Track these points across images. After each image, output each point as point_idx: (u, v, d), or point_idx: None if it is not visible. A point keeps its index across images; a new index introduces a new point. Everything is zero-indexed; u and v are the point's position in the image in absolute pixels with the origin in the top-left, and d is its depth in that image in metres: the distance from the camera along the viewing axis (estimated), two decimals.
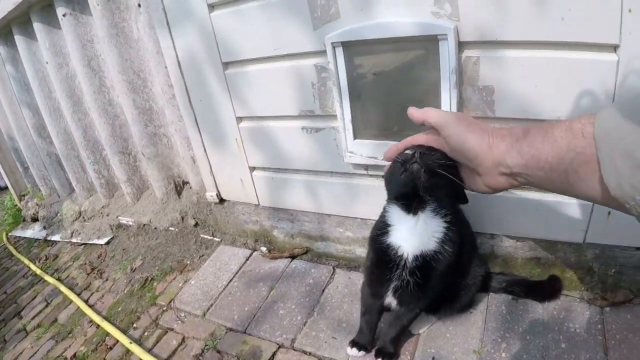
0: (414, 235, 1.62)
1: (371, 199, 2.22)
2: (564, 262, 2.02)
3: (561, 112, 1.62)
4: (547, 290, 2.02)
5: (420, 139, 1.26)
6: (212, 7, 2.18)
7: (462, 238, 1.74)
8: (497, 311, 2.05)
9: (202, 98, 2.51)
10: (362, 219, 2.39)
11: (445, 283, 1.76)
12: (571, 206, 1.82)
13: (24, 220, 4.86)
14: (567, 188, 0.85)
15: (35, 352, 2.82)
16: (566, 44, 1.53)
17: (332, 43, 1.90)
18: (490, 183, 1.06)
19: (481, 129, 1.05)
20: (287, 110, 2.25)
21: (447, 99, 1.76)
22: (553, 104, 1.63)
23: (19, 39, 3.62)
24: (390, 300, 1.81)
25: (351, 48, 1.90)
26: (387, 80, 1.92)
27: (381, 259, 1.72)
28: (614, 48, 1.47)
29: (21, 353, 2.88)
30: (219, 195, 2.89)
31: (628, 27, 1.39)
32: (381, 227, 1.71)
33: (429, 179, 1.37)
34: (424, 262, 1.64)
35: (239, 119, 2.44)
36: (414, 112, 1.20)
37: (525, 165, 0.92)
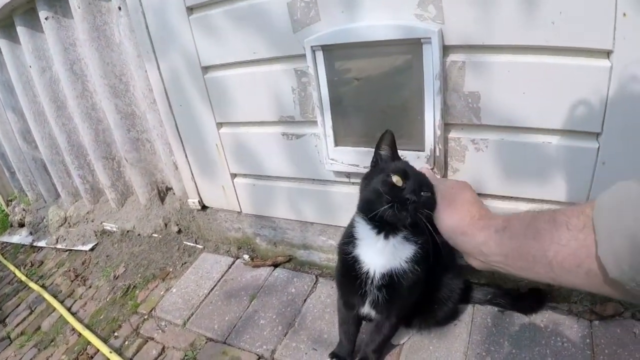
0: (382, 255, 1.58)
1: (353, 207, 2.16)
2: None
3: (551, 121, 1.58)
4: (532, 302, 1.98)
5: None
6: (190, 9, 2.14)
7: (437, 252, 1.68)
8: (482, 323, 2.00)
9: (182, 103, 2.46)
10: (345, 227, 2.32)
11: (416, 297, 1.71)
12: None
13: (11, 226, 4.81)
14: (551, 277, 0.84)
15: None
16: (557, 49, 1.48)
17: (311, 47, 1.85)
18: (469, 261, 1.10)
19: (462, 211, 1.11)
20: (267, 116, 2.21)
21: (431, 105, 1.71)
22: (542, 112, 1.58)
23: (2, 43, 3.57)
24: (367, 310, 1.75)
25: (332, 52, 1.85)
26: (369, 85, 1.87)
27: (348, 271, 1.67)
28: (607, 54, 1.41)
29: None
30: (201, 202, 2.85)
31: (622, 31, 1.34)
32: (349, 238, 1.67)
33: (412, 224, 1.41)
34: (391, 279, 1.59)
35: (219, 125, 2.40)
36: None
37: (505, 256, 0.93)
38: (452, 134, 1.80)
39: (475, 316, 2.05)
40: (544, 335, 1.86)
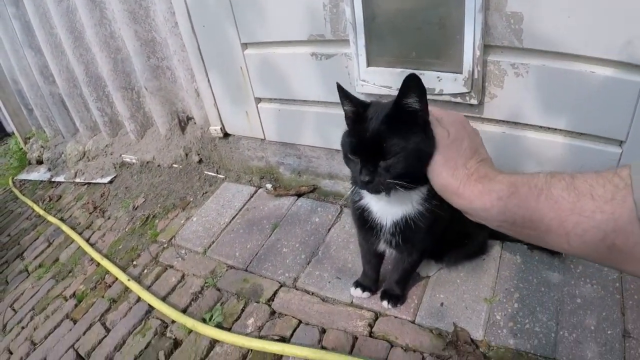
0: (391, 205, 1.47)
1: None
2: None
3: (596, 50, 1.47)
4: None
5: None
6: None
7: None
8: (511, 260, 1.96)
9: (205, 23, 2.36)
10: None
11: (439, 234, 1.60)
12: (599, 148, 1.68)
13: (29, 163, 4.80)
14: (564, 248, 0.77)
15: (36, 292, 2.78)
16: None
17: None
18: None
19: (456, 166, 1.00)
20: (296, 35, 2.11)
21: (472, 24, 1.61)
22: (587, 39, 1.47)
23: None
24: (385, 248, 1.68)
25: None
26: (406, 0, 1.75)
27: (359, 218, 1.61)
28: None
29: (22, 293, 2.85)
30: (223, 129, 2.77)
31: None
32: (355, 191, 1.54)
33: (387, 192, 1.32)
34: (406, 224, 1.49)
35: (244, 46, 2.30)
36: None
37: (511, 223, 0.84)
38: (492, 57, 1.69)
39: (505, 252, 1.99)
40: (573, 276, 1.82)
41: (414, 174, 1.22)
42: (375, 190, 1.29)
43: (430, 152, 1.14)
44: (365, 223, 1.58)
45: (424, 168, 1.14)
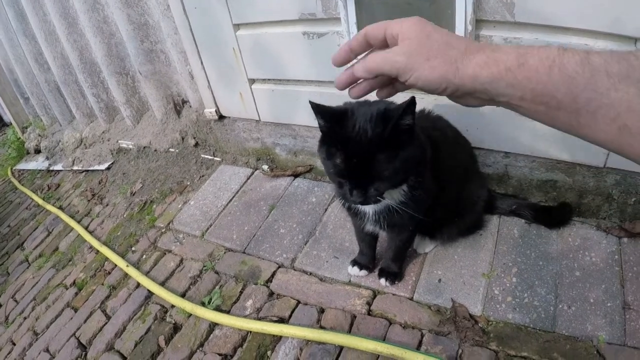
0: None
1: None
2: (582, 186, 1.89)
3: (589, 22, 1.45)
4: (558, 216, 1.90)
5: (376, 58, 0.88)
6: None
7: (445, 166, 1.58)
8: (508, 234, 1.95)
9: (196, 5, 2.33)
10: None
11: (425, 213, 1.55)
12: None
13: (27, 153, 4.80)
14: (572, 126, 0.73)
15: (37, 282, 2.80)
16: None
17: None
18: (463, 102, 0.87)
19: (444, 52, 0.79)
20: (287, 14, 2.08)
21: None
22: (581, 12, 1.45)
23: None
24: (374, 228, 1.68)
25: None
26: None
27: (346, 207, 1.61)
28: None
29: (23, 284, 2.87)
30: (218, 111, 2.75)
31: None
32: None
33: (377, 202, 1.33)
34: (389, 212, 1.48)
35: (236, 27, 2.27)
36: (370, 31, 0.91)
37: (520, 98, 0.75)
38: (484, 32, 1.67)
39: (502, 227, 1.98)
40: (571, 249, 1.81)
41: (402, 183, 1.28)
42: (366, 204, 1.32)
43: (419, 159, 1.15)
44: (350, 209, 1.60)
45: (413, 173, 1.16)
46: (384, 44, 0.89)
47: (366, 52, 0.91)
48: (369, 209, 1.50)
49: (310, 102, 1.18)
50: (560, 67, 0.70)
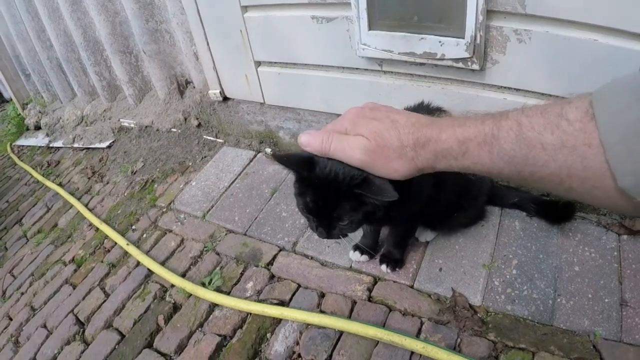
0: None
1: (384, 98, 2.06)
2: None
3: (599, 17, 1.44)
4: (560, 212, 1.90)
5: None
6: None
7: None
8: (510, 226, 1.95)
9: None
10: None
11: (419, 210, 1.57)
12: None
13: (27, 129, 4.78)
14: (528, 187, 0.81)
15: (35, 258, 2.80)
16: None
17: None
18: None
19: (405, 160, 0.89)
20: None
21: None
22: (589, 6, 1.44)
23: None
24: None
25: None
26: None
27: None
28: None
29: (21, 259, 2.87)
30: (222, 93, 2.75)
31: None
32: None
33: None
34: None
35: (244, 9, 2.26)
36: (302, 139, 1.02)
37: (474, 173, 0.85)
38: (494, 22, 1.67)
39: (503, 219, 1.99)
40: (572, 244, 1.82)
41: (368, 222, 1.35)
42: (331, 239, 1.37)
43: (382, 211, 1.25)
44: None
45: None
46: None
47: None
48: None
49: (273, 155, 1.22)
50: (498, 149, 0.75)
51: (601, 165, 0.63)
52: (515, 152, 0.73)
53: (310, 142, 1.00)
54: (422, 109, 1.73)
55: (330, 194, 1.19)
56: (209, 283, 2.05)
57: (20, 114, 4.91)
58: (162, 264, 2.25)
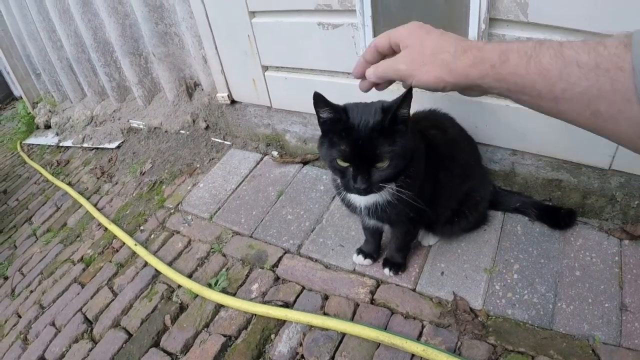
0: (363, 198, 1.51)
1: None
2: (586, 187, 1.90)
3: (600, 25, 1.45)
4: (562, 218, 1.91)
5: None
6: None
7: (443, 165, 1.65)
8: (512, 231, 1.96)
9: None
10: None
11: (420, 210, 1.58)
12: None
13: (37, 128, 4.82)
14: (555, 112, 0.81)
15: (44, 256, 2.84)
16: None
17: None
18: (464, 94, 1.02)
19: (437, 59, 0.95)
20: (303, 4, 2.09)
21: None
22: (591, 14, 1.45)
23: None
24: (371, 221, 1.73)
25: None
26: None
27: (342, 199, 1.68)
28: None
29: (30, 257, 2.91)
30: (230, 96, 2.77)
31: None
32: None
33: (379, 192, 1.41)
34: (376, 208, 1.55)
35: (252, 14, 2.29)
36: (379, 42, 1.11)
37: (507, 90, 0.85)
38: (497, 30, 1.68)
39: (505, 223, 2.00)
40: (573, 249, 1.83)
41: (400, 173, 1.35)
42: (368, 194, 1.38)
43: (413, 149, 1.32)
44: (344, 201, 1.65)
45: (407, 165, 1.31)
46: (392, 52, 1.08)
47: None
48: (360, 202, 1.55)
49: (315, 94, 1.26)
50: (536, 61, 0.78)
51: (630, 89, 0.65)
52: (552, 66, 0.75)
53: (370, 73, 1.12)
54: (431, 113, 1.77)
55: (367, 133, 1.26)
56: (215, 284, 2.08)
57: (30, 113, 4.95)
58: (170, 264, 2.28)
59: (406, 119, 1.29)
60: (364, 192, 1.37)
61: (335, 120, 1.30)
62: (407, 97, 1.21)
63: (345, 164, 1.33)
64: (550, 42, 0.78)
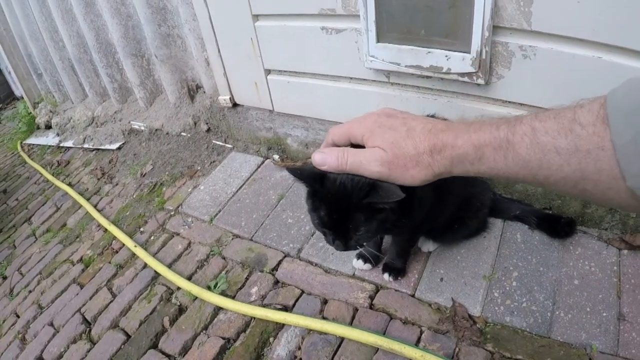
0: None
1: None
2: None
3: (604, 35, 1.46)
4: (559, 229, 1.90)
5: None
6: None
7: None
8: (511, 239, 1.97)
9: None
10: None
11: (419, 223, 1.59)
12: None
13: (37, 128, 4.81)
14: (543, 188, 0.82)
15: (43, 257, 2.84)
16: None
17: None
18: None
19: (422, 166, 0.92)
20: (306, 8, 2.10)
21: (481, 4, 1.60)
22: (595, 24, 1.46)
23: None
24: None
25: None
26: None
27: None
28: None
29: (29, 257, 2.91)
30: (232, 99, 2.77)
31: None
32: None
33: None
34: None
35: (255, 17, 2.30)
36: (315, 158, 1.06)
37: (490, 177, 0.92)
38: (500, 38, 1.68)
39: (505, 231, 2.00)
40: (572, 257, 1.83)
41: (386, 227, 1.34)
42: (348, 250, 1.40)
43: (396, 217, 1.30)
44: None
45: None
46: (350, 144, 1.05)
47: None
48: None
49: (288, 169, 1.26)
50: (513, 154, 0.77)
51: (614, 167, 0.64)
52: (530, 157, 0.74)
53: (325, 160, 1.03)
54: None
55: (342, 206, 1.23)
56: (215, 287, 2.08)
57: (31, 113, 4.95)
58: (169, 266, 2.28)
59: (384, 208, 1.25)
60: (345, 250, 1.39)
61: (312, 192, 1.29)
62: (379, 194, 1.14)
63: (324, 230, 1.35)
64: (521, 125, 0.77)
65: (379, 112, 1.03)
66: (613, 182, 0.66)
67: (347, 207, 1.22)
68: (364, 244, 1.41)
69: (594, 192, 0.70)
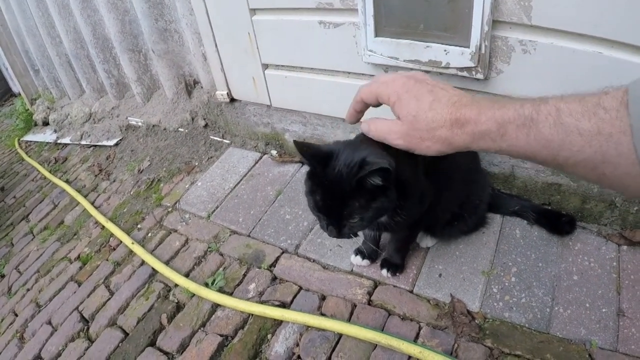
0: None
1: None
2: (586, 192, 1.89)
3: (604, 30, 1.45)
4: (558, 225, 1.90)
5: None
6: None
7: (441, 171, 1.58)
8: (510, 234, 1.96)
9: None
10: None
11: (418, 220, 1.61)
12: None
13: (35, 125, 4.81)
14: (561, 171, 0.82)
15: (41, 254, 2.84)
16: None
17: None
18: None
19: (437, 139, 0.97)
20: (304, 2, 2.08)
21: None
22: (596, 19, 1.44)
23: None
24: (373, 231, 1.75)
25: None
26: None
27: None
28: None
29: (27, 255, 2.91)
30: (229, 94, 2.76)
31: None
32: None
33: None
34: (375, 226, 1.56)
35: (252, 11, 2.28)
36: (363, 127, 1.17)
37: (509, 156, 0.89)
38: (500, 32, 1.67)
39: (504, 226, 2.00)
40: (571, 253, 1.82)
41: (380, 216, 1.36)
42: (341, 238, 1.40)
43: (392, 206, 1.31)
44: None
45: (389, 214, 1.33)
46: (379, 104, 1.14)
47: None
48: None
49: (295, 142, 1.24)
50: (536, 132, 0.78)
51: (632, 152, 0.65)
52: (553, 137, 0.75)
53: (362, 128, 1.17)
54: None
55: (338, 192, 1.24)
56: (212, 283, 2.08)
57: (28, 109, 4.93)
58: (167, 263, 2.28)
59: (380, 186, 1.24)
60: (336, 237, 1.38)
61: (314, 169, 1.30)
62: (379, 171, 1.18)
63: (318, 214, 1.35)
64: (546, 105, 0.77)
65: (408, 75, 1.07)
66: (632, 167, 0.67)
67: (342, 193, 1.24)
68: (357, 233, 1.42)
69: (612, 178, 0.71)
